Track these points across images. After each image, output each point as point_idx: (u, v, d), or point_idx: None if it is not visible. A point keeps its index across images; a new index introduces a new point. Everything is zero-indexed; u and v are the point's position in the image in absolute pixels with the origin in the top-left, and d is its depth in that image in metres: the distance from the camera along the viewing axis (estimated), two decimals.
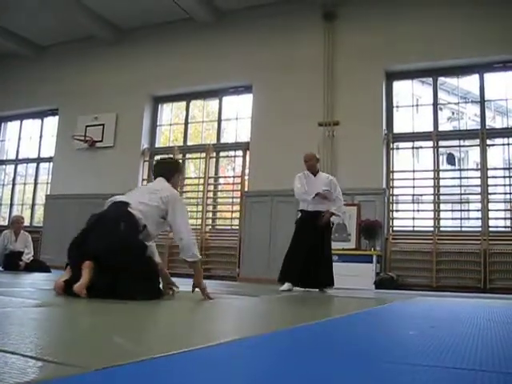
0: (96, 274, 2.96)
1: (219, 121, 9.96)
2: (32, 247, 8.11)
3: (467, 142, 8.51)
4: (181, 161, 3.86)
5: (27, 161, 11.90)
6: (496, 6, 7.60)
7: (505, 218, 7.87)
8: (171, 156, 3.86)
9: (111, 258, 2.99)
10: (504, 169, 8.05)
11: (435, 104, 8.36)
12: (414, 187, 8.18)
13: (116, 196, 3.54)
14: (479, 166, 7.90)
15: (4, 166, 12.31)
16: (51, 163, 11.13)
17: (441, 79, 8.79)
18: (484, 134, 7.78)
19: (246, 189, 9.09)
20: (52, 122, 11.51)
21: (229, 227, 9.57)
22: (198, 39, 9.78)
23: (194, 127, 10.65)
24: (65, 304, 2.74)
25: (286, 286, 5.42)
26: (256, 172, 8.85)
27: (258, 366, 1.27)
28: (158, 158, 3.97)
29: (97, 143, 10.25)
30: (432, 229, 7.77)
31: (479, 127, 8.08)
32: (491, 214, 7.58)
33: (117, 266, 2.98)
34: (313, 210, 5.59)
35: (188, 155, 10.22)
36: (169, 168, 3.79)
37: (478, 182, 7.74)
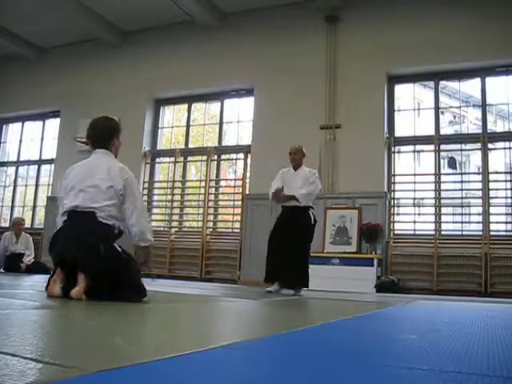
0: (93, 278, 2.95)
1: (221, 123, 9.98)
2: (33, 249, 8.14)
3: (469, 146, 8.51)
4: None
5: (28, 163, 11.92)
6: (498, 9, 7.61)
7: (506, 222, 7.85)
8: (105, 116, 3.51)
9: (104, 276, 2.94)
10: (505, 173, 8.04)
11: (437, 108, 8.36)
12: (415, 191, 8.18)
13: (65, 198, 3.23)
14: (480, 170, 7.90)
15: (5, 168, 12.32)
16: (53, 165, 11.15)
17: (442, 83, 8.79)
18: (485, 138, 7.78)
19: (247, 192, 9.10)
20: (54, 124, 11.53)
21: (230, 230, 9.57)
22: (199, 42, 9.80)
23: (196, 130, 10.67)
24: (65, 306, 2.74)
25: (273, 287, 5.24)
26: (257, 175, 8.84)
27: (257, 369, 1.27)
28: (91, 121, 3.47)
29: None
30: (433, 232, 7.76)
31: (481, 131, 8.08)
32: (492, 218, 7.58)
33: (112, 279, 2.96)
34: (290, 205, 5.39)
35: (189, 158, 10.22)
36: (106, 135, 3.39)
37: (480, 185, 7.73)
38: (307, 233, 5.48)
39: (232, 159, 10.13)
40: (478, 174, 8.27)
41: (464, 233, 7.89)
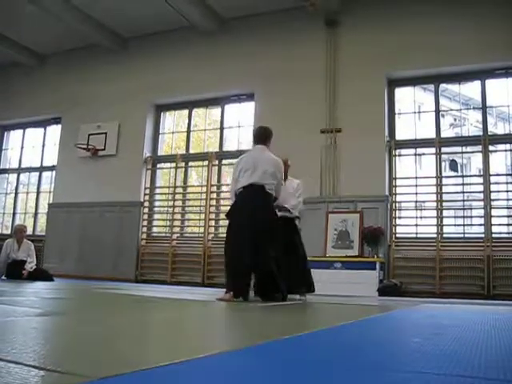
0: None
1: (221, 129, 9.98)
2: (35, 256, 8.12)
3: (469, 149, 8.50)
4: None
5: (30, 169, 11.94)
6: (498, 12, 7.62)
7: (508, 224, 7.84)
8: (265, 126, 5.33)
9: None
10: (506, 175, 8.04)
11: (437, 111, 8.36)
12: (416, 194, 8.16)
13: (240, 177, 4.85)
14: (482, 172, 7.89)
15: (7, 175, 12.34)
16: (54, 172, 11.17)
17: (442, 86, 8.79)
18: (486, 140, 7.78)
19: None
20: (55, 131, 11.55)
21: None
22: (200, 47, 9.81)
23: (197, 135, 10.67)
24: (67, 313, 2.74)
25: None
26: None
27: (263, 374, 1.27)
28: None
29: (99, 151, 10.27)
30: (435, 235, 7.75)
31: (481, 133, 8.07)
32: (494, 220, 7.56)
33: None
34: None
35: (190, 163, 10.23)
36: (264, 135, 5.13)
37: (481, 188, 7.72)
38: (299, 241, 5.55)
39: (233, 164, 10.11)
40: (479, 176, 8.25)
41: (466, 235, 7.87)
